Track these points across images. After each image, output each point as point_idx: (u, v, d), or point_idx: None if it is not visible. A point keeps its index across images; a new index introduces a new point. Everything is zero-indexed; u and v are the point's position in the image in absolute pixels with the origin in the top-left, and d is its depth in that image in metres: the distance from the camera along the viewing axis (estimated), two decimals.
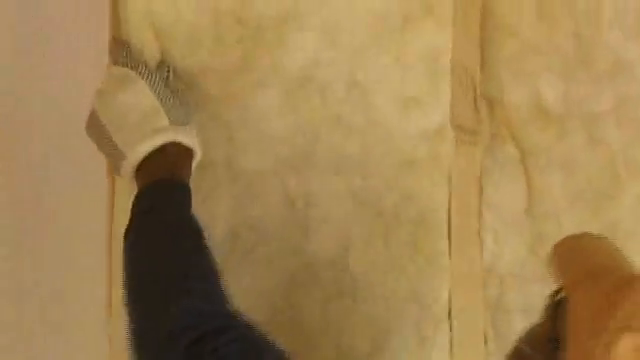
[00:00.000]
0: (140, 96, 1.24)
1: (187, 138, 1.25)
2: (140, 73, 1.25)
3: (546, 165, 1.37)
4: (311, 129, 1.35)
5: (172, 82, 1.29)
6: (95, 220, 1.36)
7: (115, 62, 1.29)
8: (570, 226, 1.36)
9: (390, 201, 1.36)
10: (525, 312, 1.35)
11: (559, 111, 1.37)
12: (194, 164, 1.27)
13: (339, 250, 1.35)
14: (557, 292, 1.00)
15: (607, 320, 0.89)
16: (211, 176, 1.34)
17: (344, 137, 1.35)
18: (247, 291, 1.33)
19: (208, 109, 1.33)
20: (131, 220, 1.19)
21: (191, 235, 1.16)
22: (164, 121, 1.24)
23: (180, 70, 1.32)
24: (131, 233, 1.17)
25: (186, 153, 1.25)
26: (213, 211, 1.34)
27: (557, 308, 0.99)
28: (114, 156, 1.24)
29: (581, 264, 0.97)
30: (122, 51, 1.28)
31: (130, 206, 1.21)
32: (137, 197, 1.21)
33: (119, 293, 1.15)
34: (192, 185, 1.25)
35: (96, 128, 1.25)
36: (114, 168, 1.27)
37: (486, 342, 1.37)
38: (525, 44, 1.36)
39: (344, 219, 1.36)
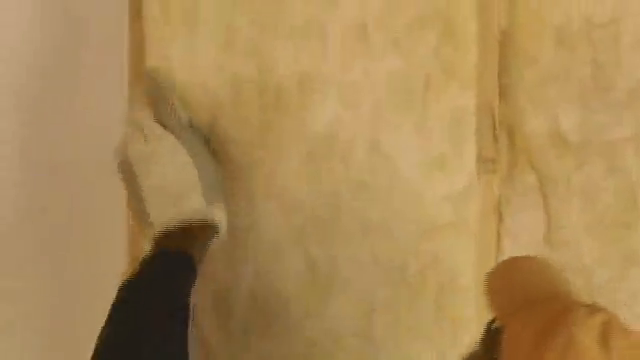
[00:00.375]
0: (183, 170, 1.24)
1: (217, 217, 1.26)
2: (183, 141, 1.26)
3: (565, 193, 1.37)
4: (334, 195, 1.35)
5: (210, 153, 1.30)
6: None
7: (158, 119, 1.28)
8: (589, 254, 1.37)
9: (415, 266, 1.36)
10: None
11: (577, 139, 1.37)
12: (215, 240, 1.27)
13: (362, 316, 1.35)
14: (493, 320, 1.00)
15: (543, 352, 0.89)
16: (235, 241, 1.34)
17: (367, 202, 1.35)
18: (269, 356, 1.33)
19: (231, 176, 1.33)
20: (133, 276, 1.19)
21: (176, 327, 1.14)
22: (200, 199, 1.24)
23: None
24: (126, 292, 1.17)
25: (211, 231, 1.26)
26: (236, 274, 1.34)
27: (494, 337, 0.98)
28: (140, 214, 1.24)
29: (515, 292, 0.97)
30: (168, 111, 1.28)
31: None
32: (149, 259, 1.21)
33: None
34: (217, 248, 1.27)
35: (129, 180, 1.25)
36: (136, 219, 1.27)
37: None
38: (544, 72, 1.36)
39: (367, 284, 1.36)
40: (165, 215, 1.22)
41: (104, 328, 1.13)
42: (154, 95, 1.29)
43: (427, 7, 1.33)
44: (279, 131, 1.34)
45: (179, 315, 1.14)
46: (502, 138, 1.37)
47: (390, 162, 1.35)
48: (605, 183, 1.37)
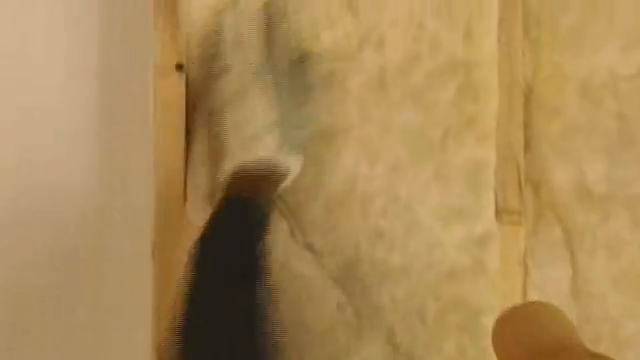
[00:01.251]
0: (265, 111, 1.26)
1: (293, 162, 1.27)
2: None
3: (590, 246, 1.36)
4: (353, 244, 1.37)
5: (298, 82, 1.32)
6: None
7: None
8: (615, 307, 1.35)
9: (435, 309, 1.37)
10: None
11: (603, 192, 1.36)
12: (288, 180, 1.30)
13: (387, 358, 1.37)
14: None
15: None
16: None
17: (386, 251, 1.37)
18: None
19: None
20: (206, 230, 1.21)
21: (249, 282, 1.17)
22: (273, 143, 1.25)
23: None
24: (200, 248, 1.20)
25: (278, 177, 1.29)
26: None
27: None
28: (215, 155, 1.27)
29: (524, 340, 0.96)
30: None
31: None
32: (219, 210, 1.23)
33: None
34: None
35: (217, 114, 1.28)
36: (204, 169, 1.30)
37: None
38: (568, 124, 1.37)
39: (387, 329, 1.37)
40: (237, 157, 1.24)
41: (180, 286, 1.17)
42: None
43: (447, 58, 1.36)
44: (299, 181, 1.37)
45: (252, 268, 1.17)
46: (527, 190, 1.37)
47: (408, 211, 1.37)
48: (631, 237, 1.35)
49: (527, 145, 1.37)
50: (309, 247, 1.38)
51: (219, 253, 1.20)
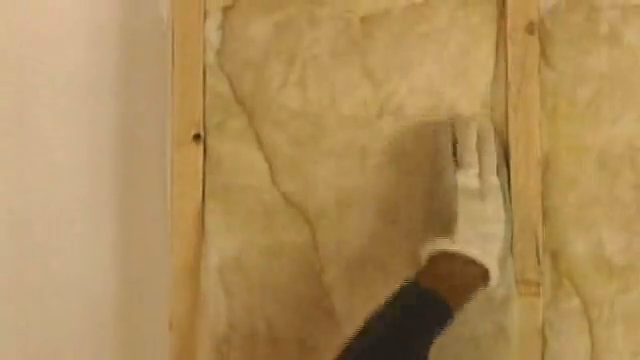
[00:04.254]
0: (499, 214, 1.30)
1: (495, 270, 1.27)
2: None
3: (609, 317, 1.36)
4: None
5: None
6: None
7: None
8: None
9: None
10: None
11: (622, 263, 1.36)
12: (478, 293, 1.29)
13: None
14: None
15: None
16: (284, 353, 1.38)
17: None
18: None
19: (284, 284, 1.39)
20: (385, 307, 1.21)
21: None
22: (500, 245, 1.29)
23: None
24: (372, 322, 1.20)
25: (483, 282, 1.28)
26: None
27: None
28: (443, 223, 1.29)
29: None
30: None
31: None
32: (402, 291, 1.23)
33: None
34: None
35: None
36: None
37: None
38: (586, 195, 1.37)
39: None
40: (463, 235, 1.26)
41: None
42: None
43: None
44: (321, 246, 1.39)
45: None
46: (545, 261, 1.37)
47: None
48: None
49: (545, 216, 1.37)
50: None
51: (393, 336, 1.19)
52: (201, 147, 1.40)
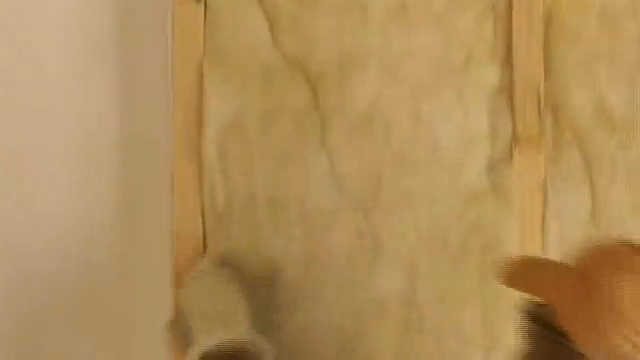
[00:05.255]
0: (234, 301, 1.29)
1: (263, 347, 1.26)
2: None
3: (610, 172, 1.37)
4: (376, 167, 1.38)
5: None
6: None
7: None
8: (635, 232, 1.35)
9: (456, 233, 1.37)
10: None
11: (623, 117, 1.36)
12: None
13: (406, 283, 1.37)
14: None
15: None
16: (284, 214, 1.38)
17: (409, 174, 1.38)
18: (317, 325, 1.36)
19: (283, 148, 1.38)
20: None
21: None
22: (248, 328, 1.26)
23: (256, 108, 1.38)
24: None
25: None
26: (286, 248, 1.38)
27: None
28: (184, 338, 1.27)
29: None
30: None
31: None
32: None
33: None
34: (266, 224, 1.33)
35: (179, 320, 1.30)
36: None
37: None
38: (589, 50, 1.36)
39: (410, 252, 1.38)
40: (212, 339, 1.23)
41: None
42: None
43: None
44: (323, 105, 1.38)
45: None
46: (547, 115, 1.37)
47: (430, 132, 1.37)
48: None
49: (547, 70, 1.37)
50: (329, 173, 1.38)
51: None
52: (202, 6, 1.38)
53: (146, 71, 1.47)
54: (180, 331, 1.27)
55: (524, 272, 1.05)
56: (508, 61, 1.36)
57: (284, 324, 1.37)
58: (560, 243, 1.37)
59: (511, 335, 1.32)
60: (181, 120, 1.39)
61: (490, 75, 1.37)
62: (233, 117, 1.39)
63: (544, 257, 1.14)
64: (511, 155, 1.37)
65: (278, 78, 1.39)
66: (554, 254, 1.36)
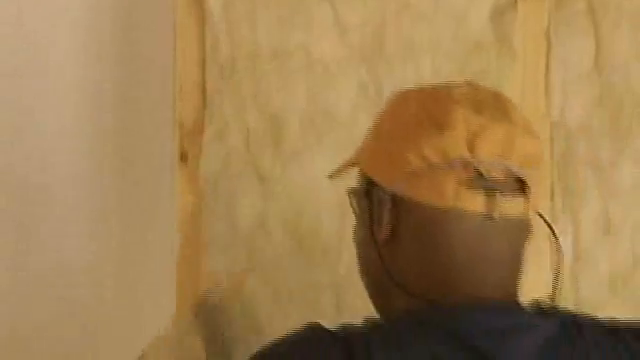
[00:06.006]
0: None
1: None
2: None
3: (615, 18, 1.37)
4: (380, 17, 1.36)
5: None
6: None
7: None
8: (638, 78, 1.36)
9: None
10: (592, 165, 1.37)
11: None
12: None
13: None
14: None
15: None
16: (287, 65, 1.36)
17: (412, 24, 1.36)
18: (316, 180, 1.36)
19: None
20: None
21: None
22: None
23: None
24: None
25: None
26: (289, 99, 1.37)
27: None
28: None
29: None
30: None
31: None
32: None
33: None
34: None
35: None
36: None
37: (552, 197, 1.38)
38: None
39: None
40: None
41: None
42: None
43: None
44: None
45: None
46: None
47: None
48: None
49: None
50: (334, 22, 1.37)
51: None
52: None
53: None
54: None
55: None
56: None
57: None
58: (563, 92, 1.38)
59: None
60: None
61: None
62: None
63: None
64: (515, 2, 1.36)
65: None
66: (556, 103, 1.38)
